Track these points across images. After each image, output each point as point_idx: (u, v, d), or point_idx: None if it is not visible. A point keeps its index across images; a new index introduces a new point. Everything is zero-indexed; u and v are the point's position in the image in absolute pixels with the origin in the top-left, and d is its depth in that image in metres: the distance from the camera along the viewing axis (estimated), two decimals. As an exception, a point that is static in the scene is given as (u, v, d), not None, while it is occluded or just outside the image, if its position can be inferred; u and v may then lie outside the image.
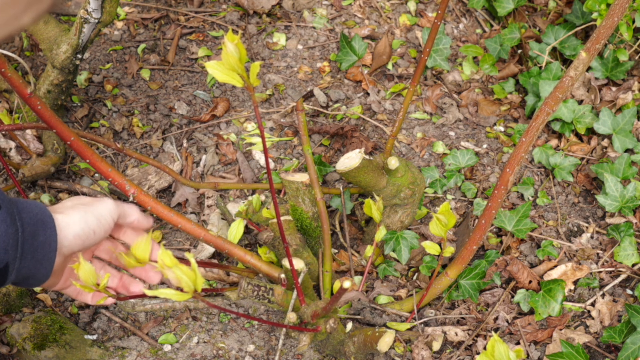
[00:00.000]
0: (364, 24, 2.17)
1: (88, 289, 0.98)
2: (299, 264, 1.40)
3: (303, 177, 1.56)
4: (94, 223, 0.99)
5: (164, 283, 1.68)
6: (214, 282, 1.68)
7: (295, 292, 1.42)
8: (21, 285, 0.93)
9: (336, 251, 1.74)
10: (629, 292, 1.69)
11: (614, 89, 2.00)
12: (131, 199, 1.26)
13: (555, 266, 1.71)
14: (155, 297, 1.59)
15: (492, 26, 2.21)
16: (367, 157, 1.49)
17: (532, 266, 1.73)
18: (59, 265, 0.96)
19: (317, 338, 1.46)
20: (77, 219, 0.96)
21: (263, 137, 1.05)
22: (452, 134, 1.97)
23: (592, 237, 1.78)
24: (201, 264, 1.48)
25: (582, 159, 1.91)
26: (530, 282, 1.67)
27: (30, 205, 0.91)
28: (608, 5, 1.87)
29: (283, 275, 1.43)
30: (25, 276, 0.90)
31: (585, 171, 1.89)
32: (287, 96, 2.01)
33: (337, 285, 1.56)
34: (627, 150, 1.89)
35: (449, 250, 1.41)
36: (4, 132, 1.79)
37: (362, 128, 1.95)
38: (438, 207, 1.83)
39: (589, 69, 2.01)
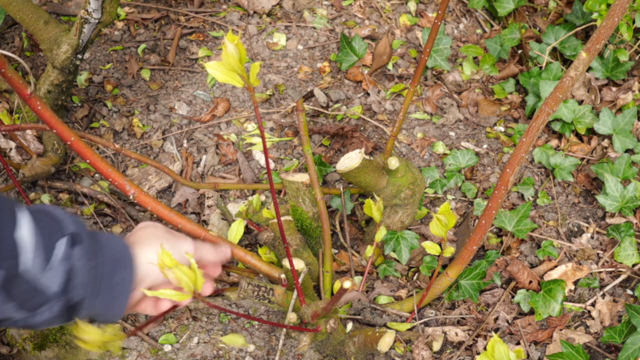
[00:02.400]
0: (364, 24, 2.17)
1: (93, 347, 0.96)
2: (299, 264, 1.40)
3: (303, 177, 1.56)
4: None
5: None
6: (214, 282, 1.68)
7: (295, 292, 1.42)
8: (93, 318, 0.90)
9: (336, 251, 1.74)
10: (629, 292, 1.69)
11: (614, 89, 2.00)
12: (131, 198, 1.26)
13: (555, 266, 1.71)
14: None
15: (492, 26, 2.21)
16: (367, 157, 1.49)
17: (532, 266, 1.73)
18: (133, 299, 0.94)
19: (317, 338, 1.46)
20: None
21: (263, 137, 1.05)
22: (452, 134, 1.97)
23: (592, 237, 1.78)
24: (201, 264, 1.48)
25: (582, 159, 1.91)
26: (530, 282, 1.67)
27: (112, 242, 0.89)
28: (608, 5, 1.87)
29: (283, 275, 1.43)
30: (97, 313, 0.88)
31: (585, 171, 1.89)
32: (287, 96, 2.01)
33: (337, 285, 1.56)
34: (627, 150, 1.89)
35: (449, 250, 1.41)
36: (3, 133, 1.79)
37: (362, 128, 1.95)
38: (438, 207, 1.83)
39: (589, 69, 2.01)
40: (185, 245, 1.00)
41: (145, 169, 1.84)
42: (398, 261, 1.72)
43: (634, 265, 1.72)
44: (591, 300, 1.67)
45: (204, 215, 1.77)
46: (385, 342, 1.37)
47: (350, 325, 1.50)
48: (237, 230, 1.59)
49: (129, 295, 0.89)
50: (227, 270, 1.60)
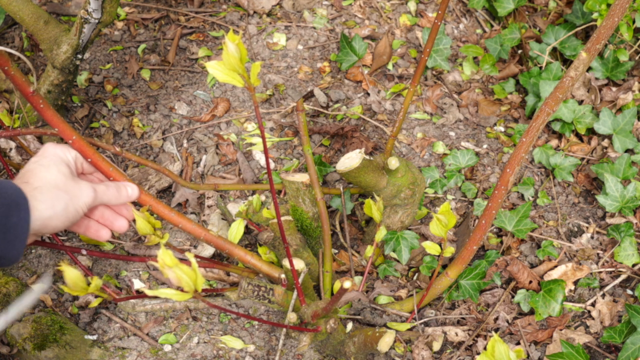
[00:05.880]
0: (364, 24, 2.17)
1: (79, 292, 1.01)
2: (299, 264, 1.40)
3: (303, 177, 1.56)
4: (73, 214, 1.02)
5: (155, 269, 1.68)
6: (214, 282, 1.68)
7: (295, 292, 1.42)
8: None
9: (336, 251, 1.74)
10: (629, 292, 1.69)
11: (614, 89, 2.00)
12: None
13: (555, 266, 1.71)
14: (155, 297, 1.59)
15: (492, 26, 2.21)
16: (367, 157, 1.49)
17: (532, 266, 1.73)
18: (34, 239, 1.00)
19: (317, 338, 1.46)
20: (59, 211, 0.98)
21: (263, 137, 1.05)
22: (452, 134, 1.97)
23: (592, 237, 1.78)
24: (201, 263, 1.49)
25: (582, 159, 1.91)
26: (530, 282, 1.67)
27: (4, 186, 0.92)
28: (608, 5, 1.88)
29: (283, 275, 1.43)
30: None
31: (585, 171, 1.89)
32: (287, 96, 2.01)
33: (337, 285, 1.56)
34: (627, 150, 1.89)
35: (449, 250, 1.41)
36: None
37: (362, 128, 1.95)
38: (438, 207, 1.83)
39: (589, 69, 2.02)
40: (84, 193, 1.04)
41: (145, 169, 1.85)
42: (398, 261, 1.72)
43: (634, 265, 1.72)
44: (591, 300, 1.67)
45: (204, 215, 1.77)
46: (385, 342, 1.37)
47: (350, 325, 1.50)
48: (237, 230, 1.59)
49: (26, 238, 0.93)
50: (227, 270, 1.60)
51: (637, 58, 2.03)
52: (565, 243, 1.76)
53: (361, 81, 2.06)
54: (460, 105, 2.04)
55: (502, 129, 2.00)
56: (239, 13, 2.17)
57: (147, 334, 1.57)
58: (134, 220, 1.19)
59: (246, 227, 1.71)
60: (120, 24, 2.14)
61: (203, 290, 1.51)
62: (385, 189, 1.58)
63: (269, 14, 2.17)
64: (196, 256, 1.56)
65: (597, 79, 2.02)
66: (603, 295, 1.68)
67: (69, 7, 2.15)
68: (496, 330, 1.63)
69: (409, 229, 1.73)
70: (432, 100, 2.03)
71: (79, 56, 1.68)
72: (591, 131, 1.95)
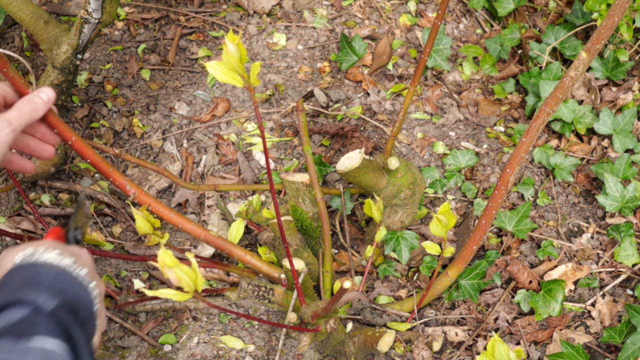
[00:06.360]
0: (364, 24, 2.17)
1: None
2: (299, 264, 1.40)
3: (303, 177, 1.56)
4: None
5: (155, 269, 1.68)
6: (214, 282, 1.68)
7: (295, 292, 1.42)
8: None
9: (336, 251, 1.74)
10: (629, 292, 1.69)
11: (614, 89, 2.00)
12: (131, 198, 1.26)
13: (555, 266, 1.71)
14: (155, 297, 1.59)
15: (492, 26, 2.21)
16: (367, 157, 1.49)
17: (532, 266, 1.73)
18: None
19: (317, 338, 1.46)
20: None
21: (263, 137, 1.05)
22: (452, 134, 1.97)
23: (592, 237, 1.78)
24: (201, 263, 1.49)
25: (582, 159, 1.91)
26: (530, 282, 1.67)
27: None
28: (608, 5, 1.88)
29: (283, 275, 1.43)
30: None
31: (585, 171, 1.89)
32: (287, 96, 2.01)
33: (337, 285, 1.56)
34: (627, 150, 1.89)
35: (449, 250, 1.41)
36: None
37: (362, 128, 1.95)
38: (438, 207, 1.83)
39: (589, 69, 2.02)
40: (1, 133, 0.95)
41: (145, 169, 1.84)
42: (398, 261, 1.72)
43: (634, 265, 1.72)
44: (591, 300, 1.67)
45: (204, 215, 1.77)
46: (385, 342, 1.37)
47: (350, 325, 1.50)
48: (237, 230, 1.59)
49: None
50: (227, 270, 1.60)
51: (637, 58, 2.03)
52: (565, 243, 1.76)
53: (361, 81, 2.06)
54: (460, 105, 2.04)
55: (502, 129, 2.00)
56: (239, 13, 2.17)
57: (147, 334, 1.57)
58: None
59: (246, 227, 1.71)
60: (120, 24, 2.14)
61: (203, 290, 1.51)
62: (385, 189, 1.58)
63: (269, 14, 2.17)
64: (196, 256, 1.56)
65: (597, 79, 2.02)
66: (603, 295, 1.68)
67: (69, 7, 2.15)
68: (496, 330, 1.63)
69: (409, 229, 1.73)
70: (432, 100, 2.03)
71: (79, 56, 1.68)
72: (591, 131, 1.95)
